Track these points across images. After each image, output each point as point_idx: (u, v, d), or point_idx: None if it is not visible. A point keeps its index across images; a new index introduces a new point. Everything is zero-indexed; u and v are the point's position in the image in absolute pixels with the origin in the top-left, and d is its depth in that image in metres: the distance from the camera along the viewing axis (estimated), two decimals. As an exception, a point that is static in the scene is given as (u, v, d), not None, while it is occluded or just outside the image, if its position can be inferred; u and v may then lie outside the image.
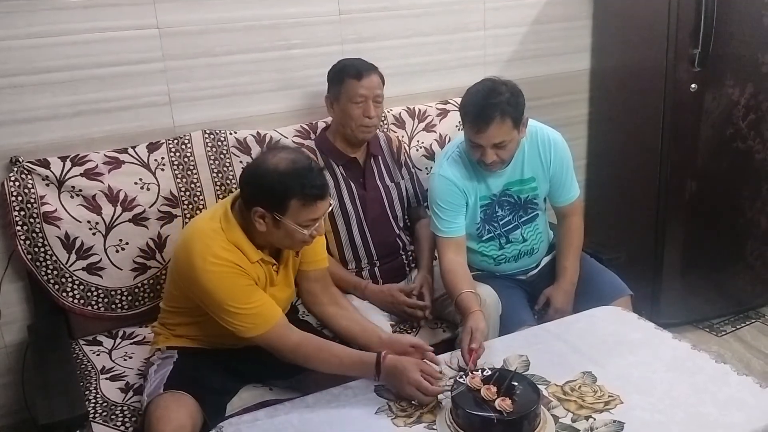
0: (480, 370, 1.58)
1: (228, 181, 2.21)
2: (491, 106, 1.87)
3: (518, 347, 1.80)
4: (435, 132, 2.56)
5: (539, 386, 1.55)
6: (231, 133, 2.25)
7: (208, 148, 2.20)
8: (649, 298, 2.76)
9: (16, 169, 1.97)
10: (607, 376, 1.64)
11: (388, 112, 2.50)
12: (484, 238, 2.15)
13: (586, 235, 2.23)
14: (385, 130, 2.45)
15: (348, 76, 2.09)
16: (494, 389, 1.48)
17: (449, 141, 2.54)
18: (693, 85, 2.50)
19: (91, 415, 1.70)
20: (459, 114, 2.01)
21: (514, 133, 1.93)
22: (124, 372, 1.92)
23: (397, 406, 1.58)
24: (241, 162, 2.23)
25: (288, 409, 1.61)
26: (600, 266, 2.25)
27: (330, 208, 1.72)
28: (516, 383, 1.51)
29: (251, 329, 1.64)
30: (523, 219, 2.16)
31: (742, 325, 2.88)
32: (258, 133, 2.28)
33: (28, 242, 1.97)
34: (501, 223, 2.14)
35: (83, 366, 1.94)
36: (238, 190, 1.73)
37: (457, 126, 2.58)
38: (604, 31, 2.89)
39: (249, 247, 1.67)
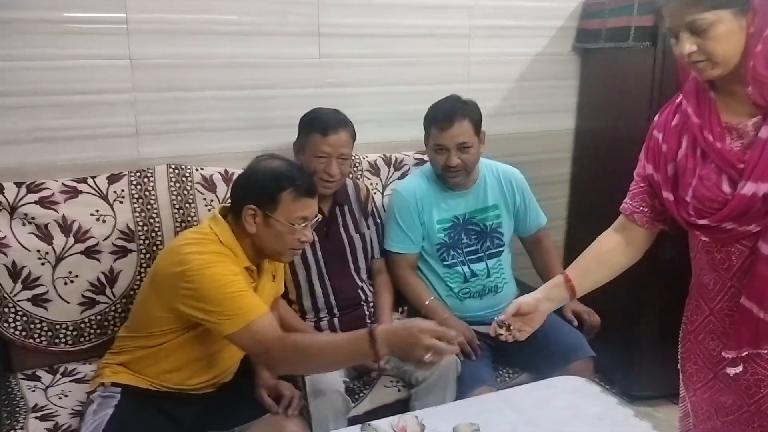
0: (421, 437, 1.48)
1: (189, 218, 2.14)
2: (454, 108, 2.12)
3: (471, 414, 1.69)
4: (410, 182, 2.50)
5: (485, 459, 1.45)
6: (197, 169, 2.20)
7: (172, 183, 2.14)
8: (623, 367, 2.66)
9: (-32, 192, 1.91)
10: (559, 452, 1.54)
11: (364, 158, 2.45)
12: (447, 263, 2.20)
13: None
14: (358, 177, 2.39)
15: (315, 129, 2.04)
16: (431, 460, 1.39)
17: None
18: (675, 152, 2.46)
19: (10, 458, 1.61)
20: (424, 127, 2.19)
21: (475, 138, 2.12)
22: (56, 411, 1.82)
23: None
24: (204, 199, 2.17)
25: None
26: (563, 323, 2.17)
27: (318, 219, 1.77)
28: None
29: (233, 321, 1.54)
30: (489, 251, 2.24)
31: (720, 402, 2.76)
32: (226, 170, 2.22)
33: (-28, 268, 1.90)
34: (466, 251, 2.22)
35: (15, 402, 1.84)
36: (222, 206, 1.81)
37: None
38: (590, 91, 2.87)
39: (239, 251, 1.68)
